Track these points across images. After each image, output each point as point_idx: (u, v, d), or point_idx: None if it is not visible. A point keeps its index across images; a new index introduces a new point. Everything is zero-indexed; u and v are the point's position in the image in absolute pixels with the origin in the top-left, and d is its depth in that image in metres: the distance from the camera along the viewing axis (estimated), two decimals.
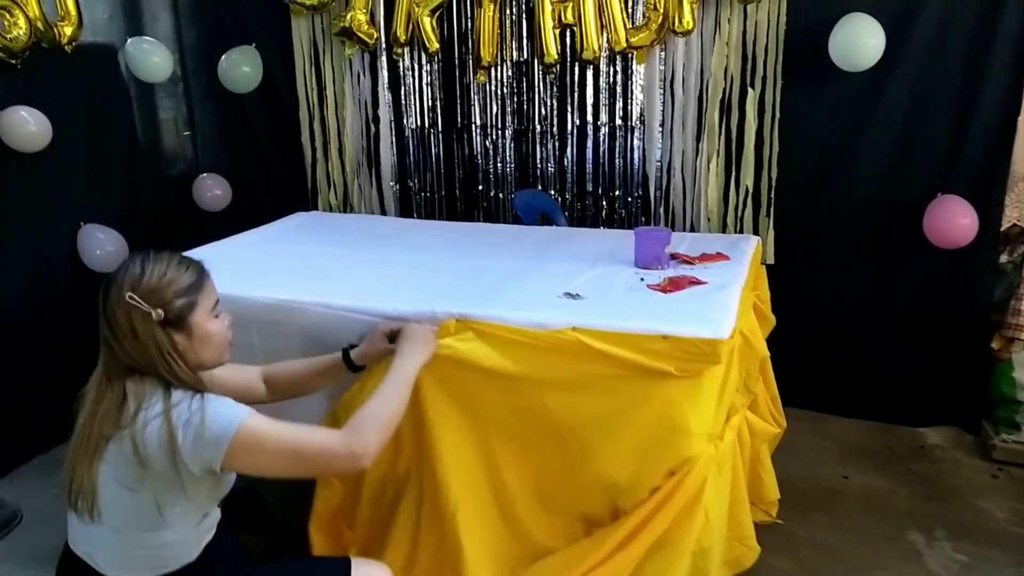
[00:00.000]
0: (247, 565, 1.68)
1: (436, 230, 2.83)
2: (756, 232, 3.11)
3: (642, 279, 2.17)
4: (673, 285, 2.10)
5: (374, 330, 1.89)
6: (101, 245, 3.26)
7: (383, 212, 3.67)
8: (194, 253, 2.46)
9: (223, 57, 3.55)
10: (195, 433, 1.40)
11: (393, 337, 1.87)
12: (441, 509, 1.93)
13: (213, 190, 3.75)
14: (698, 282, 2.12)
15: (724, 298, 1.99)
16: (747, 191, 3.10)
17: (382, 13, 3.45)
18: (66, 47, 3.13)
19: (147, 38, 3.54)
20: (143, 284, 1.45)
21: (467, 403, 1.91)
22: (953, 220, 2.77)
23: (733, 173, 3.11)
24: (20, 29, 2.92)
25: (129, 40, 3.47)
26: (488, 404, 1.90)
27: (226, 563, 1.62)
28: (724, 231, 3.15)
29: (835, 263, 3.07)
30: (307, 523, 2.01)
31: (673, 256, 2.33)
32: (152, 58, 3.50)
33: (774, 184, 3.06)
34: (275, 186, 3.83)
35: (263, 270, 2.32)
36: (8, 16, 2.90)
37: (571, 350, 1.81)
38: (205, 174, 3.76)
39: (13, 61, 2.93)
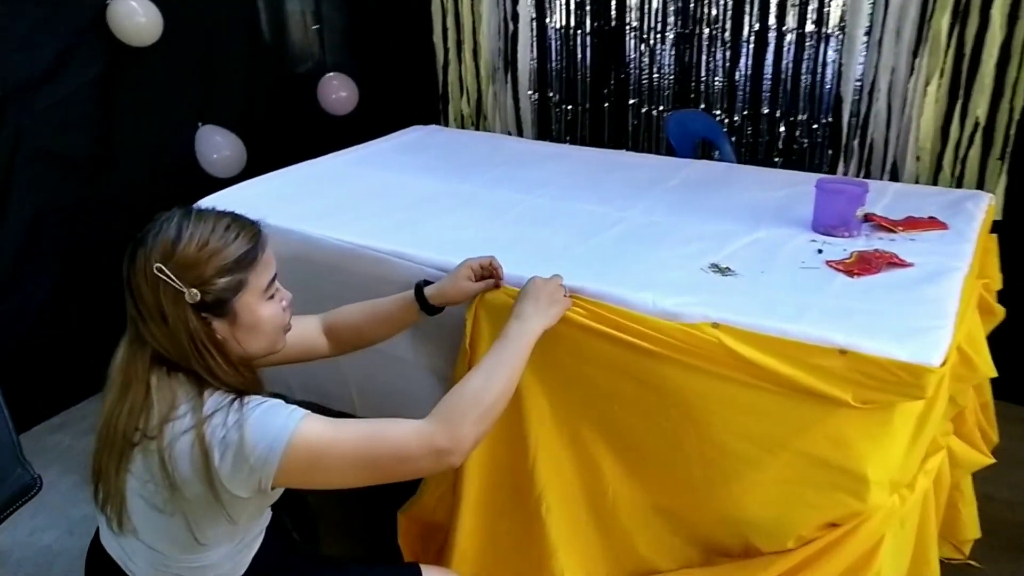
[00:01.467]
0: (306, 573, 1.40)
1: (565, 158, 2.35)
2: (981, 181, 2.39)
3: (820, 251, 1.62)
4: (863, 264, 1.54)
5: (463, 263, 1.50)
6: (218, 149, 3.06)
7: (518, 126, 3.21)
8: (281, 174, 2.20)
9: None
10: (235, 454, 1.08)
11: (481, 275, 1.49)
12: (529, 506, 1.56)
13: (339, 91, 3.42)
14: (900, 263, 1.54)
15: (939, 295, 1.42)
16: (976, 125, 2.37)
17: None
18: None
19: None
20: (177, 253, 1.10)
21: (568, 388, 1.50)
22: None
23: (960, 100, 2.38)
24: None
25: None
26: (597, 391, 1.48)
27: (280, 572, 1.35)
28: (937, 176, 2.46)
29: None
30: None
31: (867, 218, 1.74)
32: None
33: (1016, 117, 2.31)
34: (404, 90, 3.45)
35: (350, 203, 1.96)
36: None
37: (709, 353, 1.33)
38: (331, 73, 3.44)
39: None
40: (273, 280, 1.22)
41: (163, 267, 1.09)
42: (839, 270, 1.53)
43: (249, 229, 1.19)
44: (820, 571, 1.40)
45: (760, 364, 1.30)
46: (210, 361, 1.13)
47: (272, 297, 1.21)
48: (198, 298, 1.11)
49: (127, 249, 1.15)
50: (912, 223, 1.73)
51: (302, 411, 1.14)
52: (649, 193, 1.98)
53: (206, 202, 1.91)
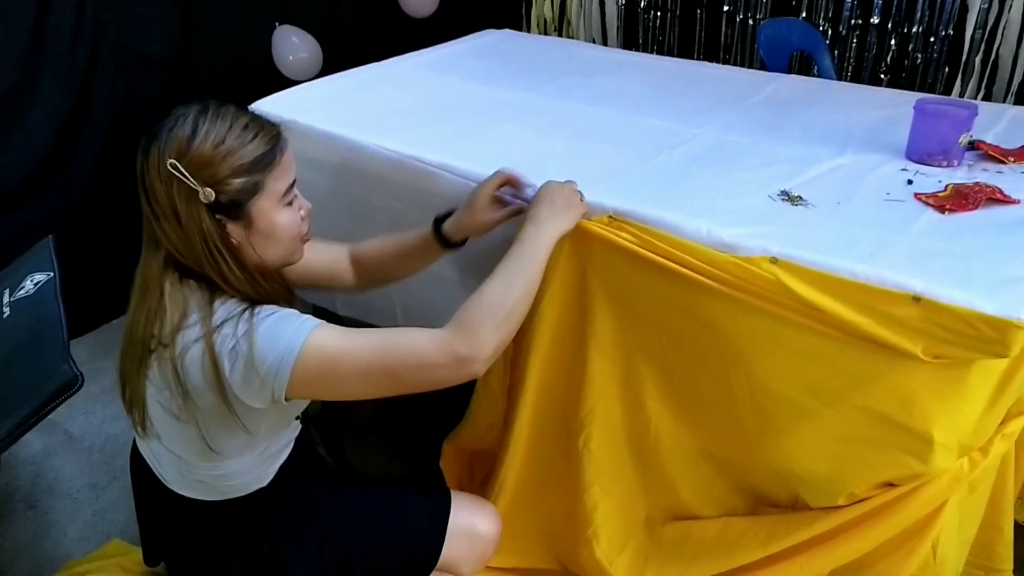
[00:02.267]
0: (336, 489, 1.41)
1: (643, 69, 2.17)
2: None
3: (910, 181, 1.44)
4: (958, 199, 1.36)
5: (478, 189, 1.37)
6: (295, 51, 3.01)
7: (603, 33, 3.02)
8: (344, 76, 2.11)
9: None
10: (245, 365, 1.07)
11: (503, 200, 1.39)
12: (571, 436, 1.51)
13: None
14: (1004, 198, 1.35)
15: None
16: None
17: None
18: None
19: None
20: (192, 150, 1.07)
21: (628, 317, 1.40)
22: None
23: None
24: None
25: None
26: (645, 321, 1.38)
27: (308, 487, 1.36)
28: None
29: None
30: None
31: (973, 146, 1.53)
32: None
33: None
34: None
35: (406, 111, 1.87)
36: None
37: (766, 291, 1.21)
38: None
39: None
40: (292, 186, 1.18)
41: (177, 164, 1.06)
42: (929, 204, 1.35)
43: (268, 130, 1.14)
44: (871, 532, 1.31)
45: (821, 307, 1.17)
46: (223, 266, 1.11)
47: (290, 204, 1.18)
48: (212, 198, 1.08)
49: (141, 143, 1.12)
50: None
51: (315, 320, 1.11)
52: (729, 110, 1.81)
53: (265, 103, 1.88)
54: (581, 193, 1.33)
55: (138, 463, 1.36)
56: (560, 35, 3.15)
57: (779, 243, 1.23)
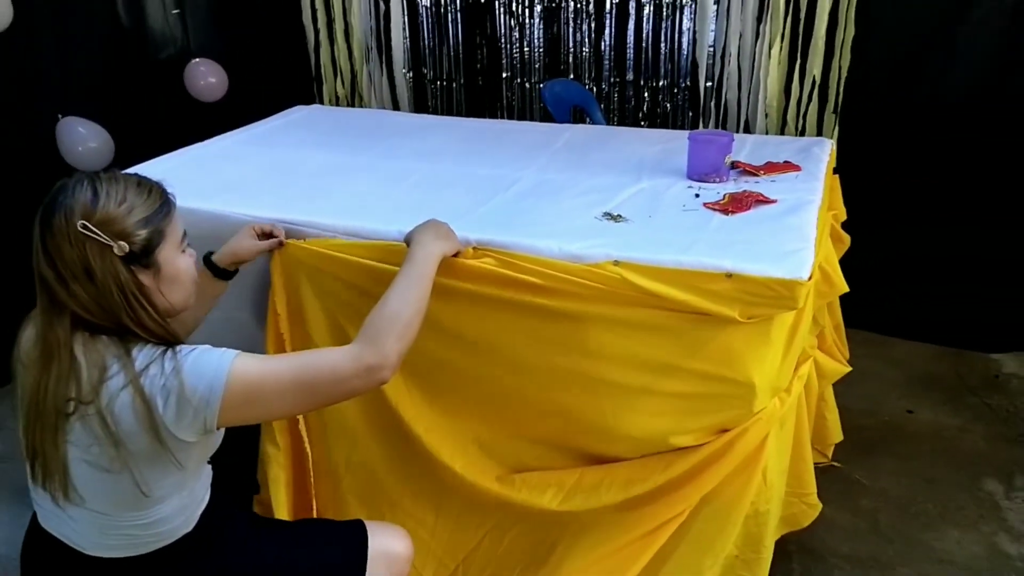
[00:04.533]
0: (253, 529, 1.45)
1: (452, 129, 2.44)
2: (819, 132, 2.70)
3: (697, 195, 1.81)
4: (735, 204, 1.74)
5: (244, 228, 1.64)
6: (83, 141, 2.92)
7: (395, 104, 3.28)
8: (179, 154, 2.18)
9: None
10: (177, 399, 1.13)
11: (265, 235, 1.64)
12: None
13: (207, 77, 3.34)
14: (765, 200, 1.76)
15: (800, 224, 1.63)
16: (814, 83, 2.66)
17: None
18: None
19: None
20: (98, 210, 1.14)
21: (469, 328, 1.61)
22: None
23: (798, 61, 2.66)
24: None
25: None
26: (497, 332, 1.60)
27: (228, 528, 1.40)
28: (784, 129, 2.74)
29: (910, 170, 2.66)
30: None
31: (734, 165, 1.95)
32: None
33: (845, 76, 2.62)
34: (276, 73, 3.42)
35: (250, 179, 1.98)
36: None
37: (612, 288, 1.48)
38: (197, 59, 3.35)
39: None
40: (184, 235, 1.28)
41: (88, 223, 1.13)
42: (716, 210, 1.72)
43: (156, 186, 1.26)
44: (716, 469, 1.59)
45: (659, 293, 1.46)
46: (140, 312, 1.18)
47: (184, 251, 1.28)
48: (127, 249, 1.16)
49: (36, 218, 1.16)
50: (771, 167, 1.95)
51: (233, 351, 1.20)
52: (539, 155, 2.12)
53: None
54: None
55: (38, 548, 1.32)
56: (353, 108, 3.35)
57: (616, 249, 1.52)
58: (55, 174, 2.76)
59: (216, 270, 1.62)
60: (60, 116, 2.92)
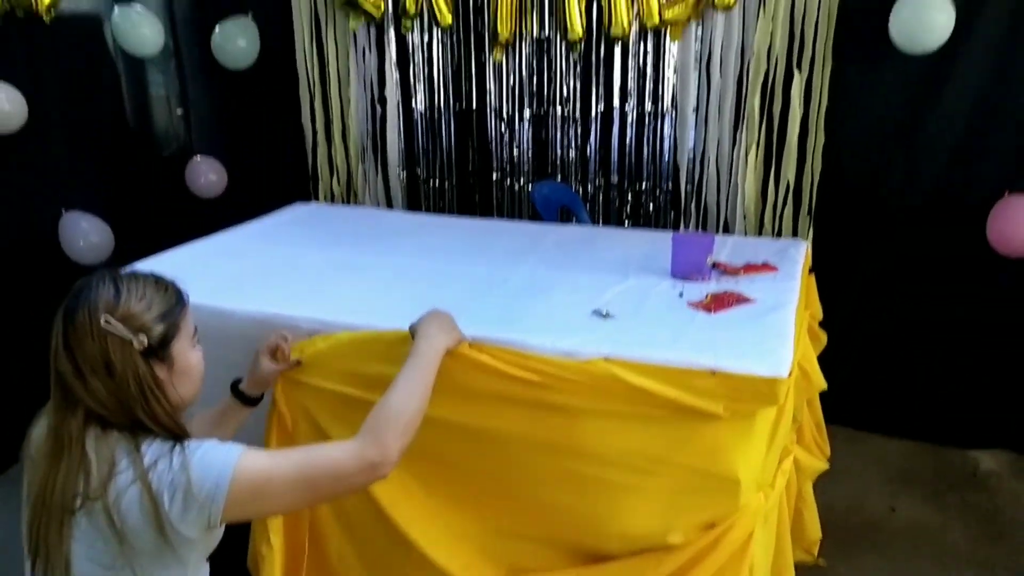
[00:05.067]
0: None
1: (447, 227, 2.56)
2: (795, 233, 2.83)
3: (681, 294, 1.90)
4: (717, 303, 1.83)
5: (259, 350, 1.66)
6: (84, 235, 3.02)
7: (389, 202, 3.40)
8: (181, 250, 2.26)
9: (216, 28, 3.25)
10: (184, 495, 1.17)
11: (275, 354, 1.66)
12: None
13: (207, 174, 3.47)
14: (745, 299, 1.85)
15: (778, 322, 1.72)
16: (788, 187, 2.81)
17: None
18: (44, 15, 2.85)
19: (136, 6, 3.25)
20: (120, 306, 1.21)
21: (465, 423, 1.65)
22: (1022, 224, 2.48)
23: (773, 166, 2.82)
24: None
25: (116, 9, 3.19)
26: (492, 427, 1.64)
27: None
28: (761, 229, 2.88)
29: (883, 268, 2.79)
30: None
31: (715, 265, 2.05)
32: (141, 29, 3.21)
33: (817, 180, 2.77)
34: (274, 171, 3.55)
35: (252, 276, 2.06)
36: None
37: (603, 384, 1.55)
38: (199, 157, 3.49)
39: None
40: (195, 330, 1.34)
41: (111, 318, 1.19)
42: (699, 308, 1.81)
43: (170, 283, 1.33)
44: (705, 567, 1.62)
45: (648, 389, 1.52)
46: (155, 406, 1.22)
47: (194, 347, 1.34)
48: (145, 343, 1.21)
49: (58, 317, 1.23)
50: (750, 268, 2.06)
51: (240, 446, 1.24)
52: (530, 254, 2.22)
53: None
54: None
55: None
56: (347, 205, 3.47)
57: (606, 346, 1.59)
58: (56, 267, 2.88)
59: (244, 398, 1.65)
60: (64, 210, 3.02)
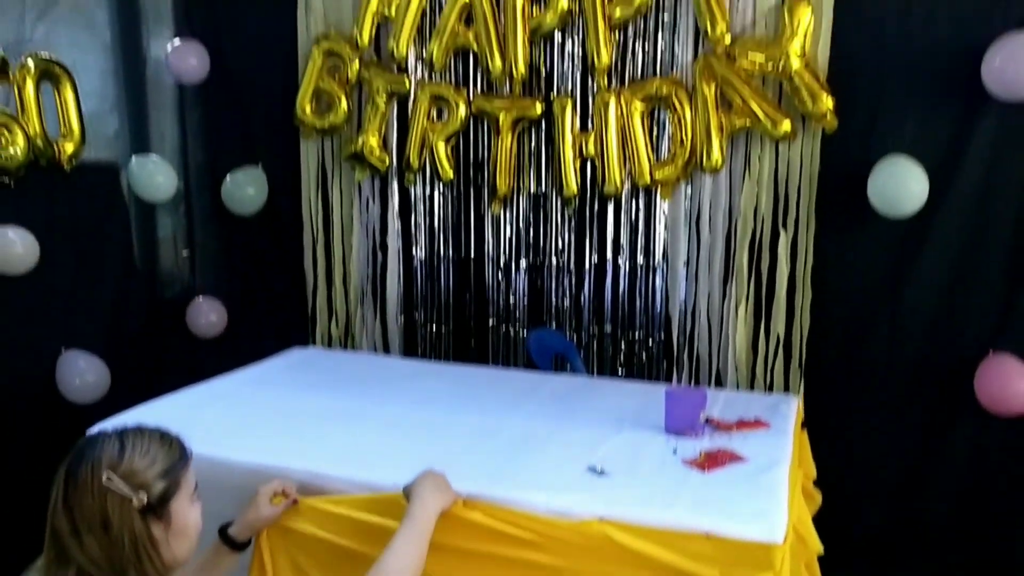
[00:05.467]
0: None
1: (443, 375, 2.59)
2: (787, 386, 2.87)
3: (675, 450, 1.91)
4: (711, 461, 1.84)
5: (260, 491, 1.66)
6: (81, 374, 3.03)
7: (386, 345, 3.45)
8: (178, 395, 2.27)
9: (228, 177, 3.41)
10: None
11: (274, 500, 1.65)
12: None
13: (208, 315, 3.53)
14: (738, 458, 1.86)
15: (771, 483, 1.73)
16: (778, 340, 2.88)
17: (395, 138, 3.33)
18: (65, 165, 3.00)
19: (153, 156, 3.43)
20: (123, 462, 1.22)
21: None
22: (1008, 382, 2.52)
23: (763, 320, 2.89)
24: (18, 147, 2.79)
25: (134, 158, 3.36)
26: None
27: None
28: (753, 382, 2.91)
29: (872, 426, 2.80)
30: None
31: (708, 421, 2.07)
32: (156, 177, 3.38)
33: (806, 334, 2.84)
34: (273, 312, 3.61)
35: (249, 423, 2.07)
36: (6, 133, 2.77)
37: (597, 545, 1.54)
38: (201, 297, 3.56)
39: (6, 179, 2.79)
40: (196, 486, 1.34)
41: (112, 475, 1.20)
42: (693, 467, 1.82)
43: (175, 438, 1.34)
44: None
45: (642, 553, 1.51)
46: (147, 566, 1.22)
47: (193, 503, 1.33)
48: (145, 501, 1.21)
49: (60, 474, 1.23)
50: (743, 424, 2.08)
51: None
52: (525, 404, 2.24)
53: (101, 428, 1.95)
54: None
55: None
56: (344, 348, 3.52)
57: (601, 506, 1.59)
58: (51, 405, 2.88)
59: (233, 543, 1.63)
60: (64, 348, 3.05)
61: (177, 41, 3.40)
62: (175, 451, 1.31)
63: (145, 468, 1.24)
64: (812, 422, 2.39)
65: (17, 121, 2.80)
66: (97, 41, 3.39)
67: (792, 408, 2.23)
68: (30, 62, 2.84)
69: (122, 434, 1.27)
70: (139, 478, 1.23)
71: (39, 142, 2.87)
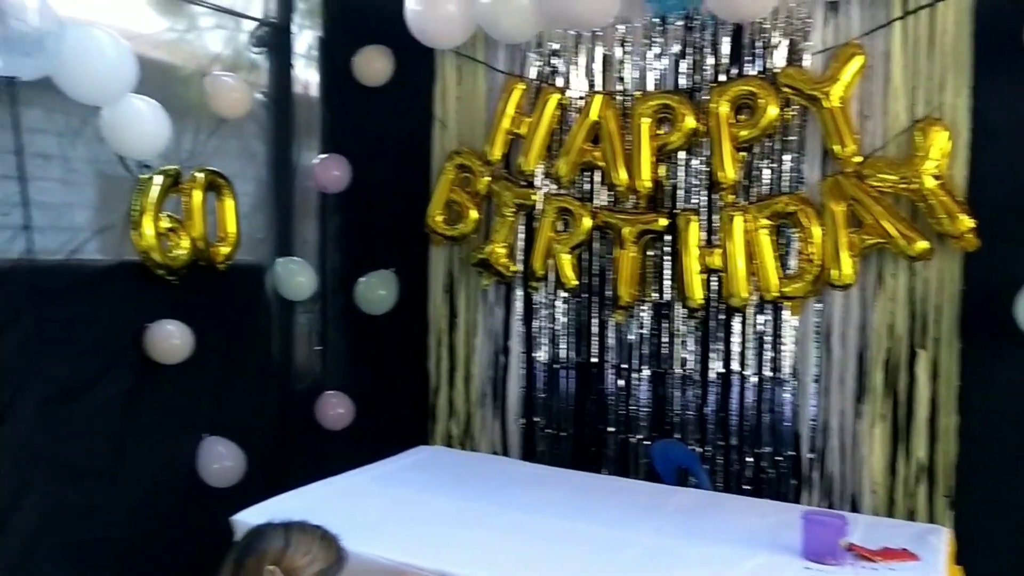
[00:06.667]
0: None
1: (564, 481, 2.59)
2: (931, 516, 2.68)
3: None
4: None
5: None
6: (220, 459, 3.19)
7: (505, 447, 3.46)
8: (311, 489, 2.36)
9: (362, 279, 3.61)
10: None
11: None
12: None
13: (336, 408, 3.67)
14: None
15: None
16: (919, 465, 2.72)
17: (521, 247, 3.45)
18: (219, 265, 3.26)
19: (295, 259, 3.68)
20: (286, 558, 1.32)
21: None
22: None
23: (902, 443, 2.75)
24: (182, 249, 3.06)
25: (278, 260, 3.62)
26: None
27: None
28: (892, 508, 2.74)
29: None
30: None
31: (849, 547, 1.97)
32: (298, 277, 3.62)
33: (954, 462, 2.67)
34: (397, 410, 3.71)
35: (374, 520, 2.13)
36: (174, 237, 3.05)
37: None
38: (330, 391, 3.72)
39: (171, 278, 3.05)
40: None
41: (276, 569, 1.27)
42: None
43: (335, 540, 1.42)
44: None
45: None
46: None
47: None
48: None
49: (228, 562, 1.31)
50: (889, 554, 1.96)
51: None
52: (652, 516, 2.20)
53: (246, 514, 2.05)
54: None
55: None
56: (463, 448, 3.56)
57: None
58: (189, 487, 3.03)
59: None
60: (205, 435, 3.23)
61: (323, 155, 3.70)
62: (333, 553, 1.39)
63: (305, 566, 1.33)
64: (962, 560, 2.22)
65: (183, 226, 3.09)
66: (254, 154, 3.73)
67: (943, 540, 2.10)
68: (199, 174, 3.15)
69: (288, 529, 1.35)
70: (296, 573, 1.30)
71: (200, 244, 3.14)
